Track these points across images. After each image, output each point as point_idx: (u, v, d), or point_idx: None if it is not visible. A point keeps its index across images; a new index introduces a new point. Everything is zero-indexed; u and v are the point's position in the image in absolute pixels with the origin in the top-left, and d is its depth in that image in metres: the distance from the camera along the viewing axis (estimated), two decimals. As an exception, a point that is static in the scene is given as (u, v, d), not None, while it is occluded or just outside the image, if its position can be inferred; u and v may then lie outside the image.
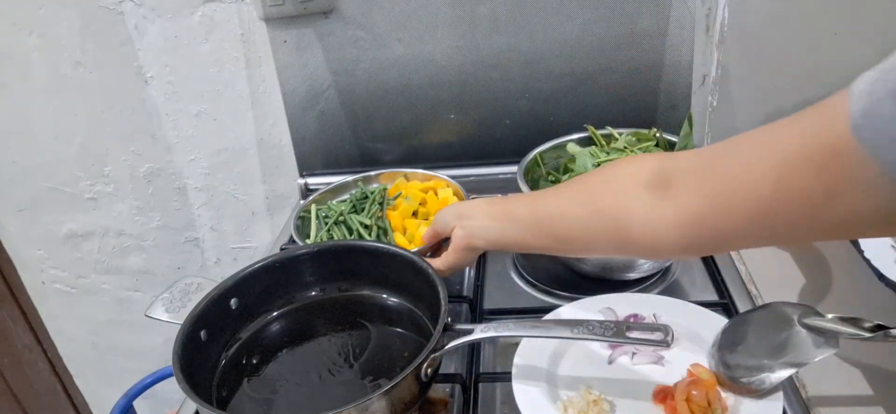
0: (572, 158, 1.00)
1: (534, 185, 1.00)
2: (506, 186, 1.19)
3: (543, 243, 0.71)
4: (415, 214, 1.04)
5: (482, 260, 1.02)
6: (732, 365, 0.66)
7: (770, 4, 1.06)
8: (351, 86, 1.21)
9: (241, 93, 1.31)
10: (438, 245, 0.84)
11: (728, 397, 0.65)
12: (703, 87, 1.16)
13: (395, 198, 1.06)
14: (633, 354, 0.73)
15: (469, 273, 1.01)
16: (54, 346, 1.69)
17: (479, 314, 0.89)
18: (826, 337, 0.62)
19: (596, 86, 1.16)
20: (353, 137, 1.26)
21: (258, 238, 1.51)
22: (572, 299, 0.83)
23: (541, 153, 1.03)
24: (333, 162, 1.28)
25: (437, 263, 0.80)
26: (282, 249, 1.02)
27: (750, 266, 0.92)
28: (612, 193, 0.63)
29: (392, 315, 0.84)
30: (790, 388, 0.71)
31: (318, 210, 1.05)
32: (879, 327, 0.59)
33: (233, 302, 0.80)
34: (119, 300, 1.61)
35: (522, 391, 0.68)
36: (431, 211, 1.04)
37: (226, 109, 1.33)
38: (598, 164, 0.96)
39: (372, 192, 1.08)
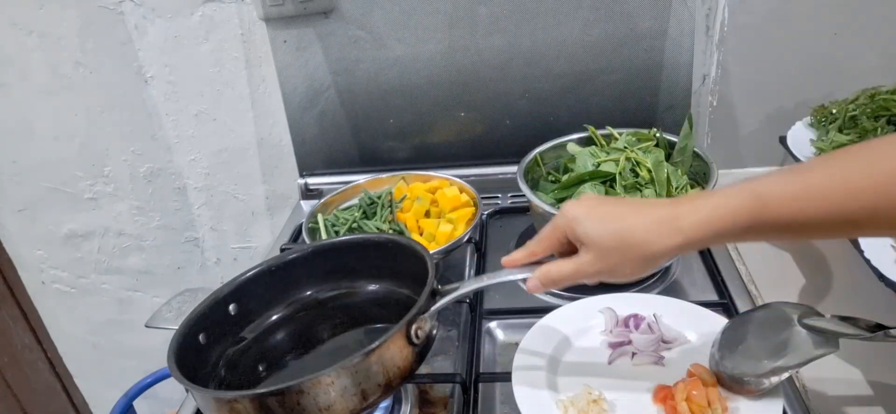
0: (572, 158, 1.00)
1: (534, 185, 1.00)
2: (506, 186, 1.19)
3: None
4: (427, 213, 1.03)
5: (482, 260, 1.02)
6: (732, 365, 0.66)
7: (770, 4, 1.06)
8: (351, 86, 1.21)
9: (241, 93, 1.31)
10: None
11: (728, 397, 0.65)
12: (703, 86, 1.16)
13: (401, 200, 1.05)
14: (633, 354, 0.73)
15: (469, 273, 1.01)
16: (54, 346, 1.69)
17: (479, 314, 0.89)
18: (826, 337, 0.61)
19: (596, 86, 1.16)
20: (353, 137, 1.26)
21: (258, 238, 1.51)
22: (572, 299, 0.83)
23: (541, 153, 1.04)
24: (333, 162, 1.28)
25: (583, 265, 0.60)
26: (282, 250, 1.02)
27: (750, 266, 0.92)
28: None
29: (392, 309, 0.83)
30: (790, 388, 0.71)
31: (325, 220, 1.03)
32: (879, 327, 0.59)
33: (231, 308, 0.79)
34: (119, 300, 1.61)
35: (522, 391, 0.68)
36: (445, 208, 1.02)
37: (226, 109, 1.33)
38: (599, 165, 0.95)
39: (379, 197, 1.06)
